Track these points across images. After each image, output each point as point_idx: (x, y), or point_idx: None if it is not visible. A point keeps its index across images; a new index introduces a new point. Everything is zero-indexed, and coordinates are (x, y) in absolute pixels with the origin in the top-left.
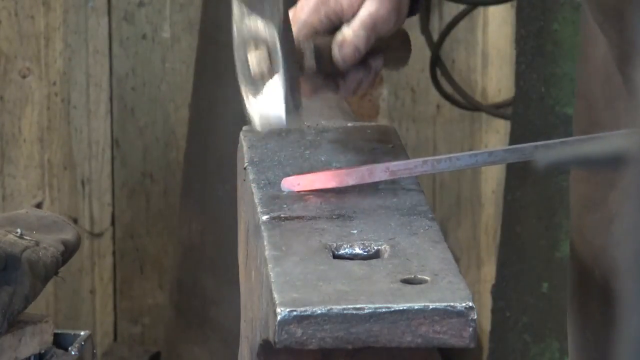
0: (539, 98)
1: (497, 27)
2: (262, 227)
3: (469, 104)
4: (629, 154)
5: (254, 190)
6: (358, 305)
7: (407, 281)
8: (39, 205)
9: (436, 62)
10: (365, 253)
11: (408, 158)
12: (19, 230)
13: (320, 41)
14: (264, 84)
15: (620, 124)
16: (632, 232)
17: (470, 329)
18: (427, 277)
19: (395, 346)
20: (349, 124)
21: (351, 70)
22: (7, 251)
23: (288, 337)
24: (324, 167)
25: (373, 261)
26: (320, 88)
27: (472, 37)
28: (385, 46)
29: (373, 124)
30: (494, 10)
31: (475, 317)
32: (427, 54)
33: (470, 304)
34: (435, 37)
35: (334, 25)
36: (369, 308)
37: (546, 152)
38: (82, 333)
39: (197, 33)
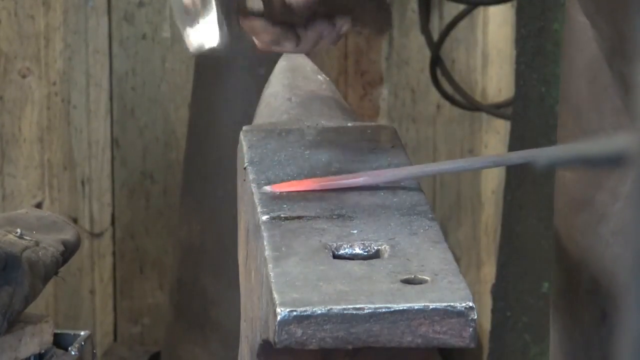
0: (539, 98)
1: (497, 27)
2: (262, 227)
3: (469, 104)
4: (629, 154)
5: (254, 190)
6: (358, 305)
7: (407, 281)
8: (39, 205)
9: (436, 62)
10: (365, 253)
11: (408, 158)
12: (19, 230)
13: None
14: (198, 18)
15: (607, 125)
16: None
17: (470, 329)
18: (427, 277)
19: (395, 346)
20: (349, 124)
21: (312, 21)
22: (7, 251)
23: (288, 337)
24: (324, 167)
25: (373, 261)
26: (279, 39)
27: (472, 37)
28: (358, 6)
29: (373, 124)
30: (494, 10)
31: (476, 317)
32: (427, 54)
33: (471, 304)
34: (435, 37)
35: None
36: (369, 308)
37: (546, 152)
38: (82, 333)
39: None
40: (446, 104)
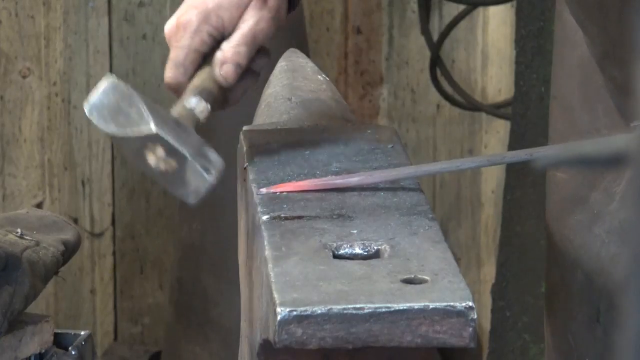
0: (539, 98)
1: (497, 27)
2: (262, 227)
3: (469, 104)
4: (629, 154)
5: (254, 190)
6: (358, 305)
7: (407, 281)
8: (39, 205)
9: (436, 62)
10: (365, 253)
11: (408, 158)
12: (19, 230)
13: (199, 81)
14: (180, 174)
15: (599, 125)
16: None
17: (470, 328)
18: (427, 277)
19: (395, 346)
20: (349, 124)
21: (236, 82)
22: (7, 251)
23: (288, 337)
24: (324, 167)
25: (373, 261)
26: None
27: (472, 37)
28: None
29: (373, 124)
30: (494, 10)
31: (475, 316)
32: (427, 54)
33: (470, 303)
34: (435, 37)
35: (217, 43)
36: (369, 308)
37: (546, 152)
38: (82, 333)
39: None
40: (446, 104)
